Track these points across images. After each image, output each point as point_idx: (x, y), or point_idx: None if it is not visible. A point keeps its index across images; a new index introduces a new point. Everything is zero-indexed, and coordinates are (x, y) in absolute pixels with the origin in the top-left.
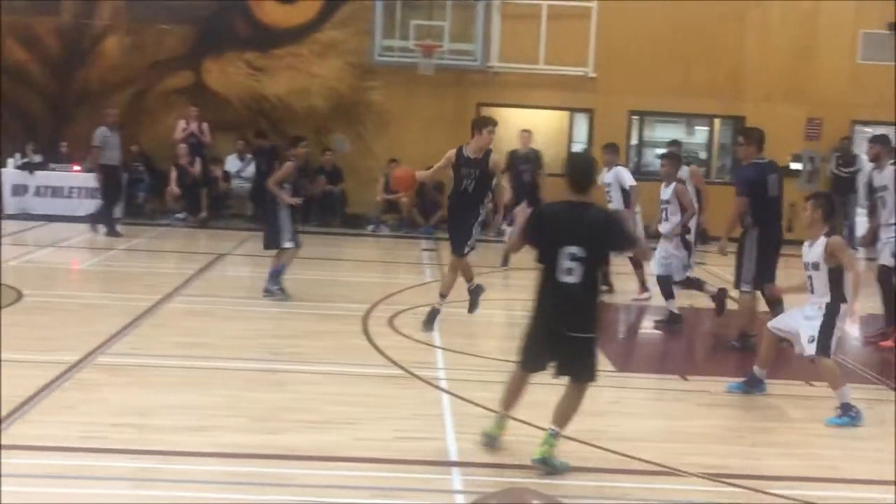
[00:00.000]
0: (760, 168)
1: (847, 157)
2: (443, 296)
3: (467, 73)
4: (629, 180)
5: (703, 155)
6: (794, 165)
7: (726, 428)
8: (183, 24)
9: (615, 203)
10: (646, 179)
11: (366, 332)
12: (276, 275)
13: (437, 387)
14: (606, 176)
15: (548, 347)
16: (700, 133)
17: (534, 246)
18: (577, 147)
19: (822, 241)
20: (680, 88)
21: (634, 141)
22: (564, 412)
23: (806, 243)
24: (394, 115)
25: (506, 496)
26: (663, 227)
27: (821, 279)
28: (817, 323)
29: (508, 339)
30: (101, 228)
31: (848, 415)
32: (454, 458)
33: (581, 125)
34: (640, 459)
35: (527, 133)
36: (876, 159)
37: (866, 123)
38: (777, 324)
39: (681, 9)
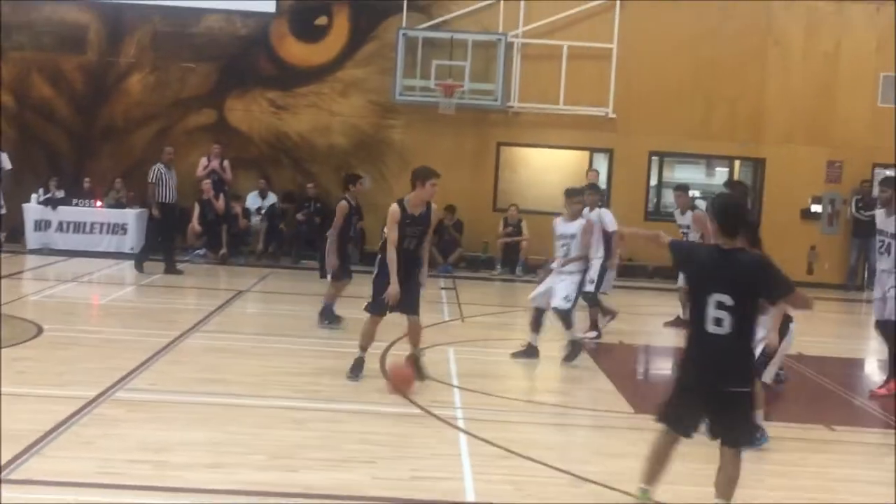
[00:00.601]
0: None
1: (868, 200)
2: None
3: (488, 112)
4: (612, 224)
5: None
6: (815, 208)
7: (746, 472)
8: (206, 62)
9: (595, 245)
10: (665, 220)
11: (383, 371)
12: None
13: (455, 426)
14: (589, 216)
15: (697, 405)
16: (720, 174)
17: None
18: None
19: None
20: (700, 129)
21: (654, 182)
22: (728, 483)
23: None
24: (414, 154)
25: None
26: None
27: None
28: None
29: (526, 380)
30: (145, 267)
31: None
32: (471, 498)
33: (601, 165)
34: (657, 502)
35: (594, 172)
36: (887, 203)
37: (887, 166)
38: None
39: (701, 50)
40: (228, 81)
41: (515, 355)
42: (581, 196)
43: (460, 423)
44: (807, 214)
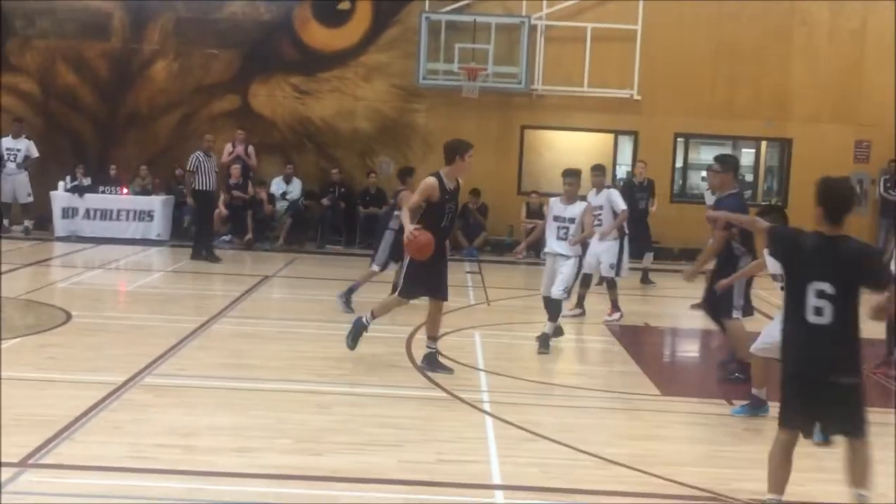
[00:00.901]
0: (742, 197)
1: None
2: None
3: (511, 95)
4: (621, 204)
5: (749, 177)
6: None
7: (737, 452)
8: (230, 48)
9: (605, 227)
10: (691, 202)
11: (409, 355)
12: (354, 289)
13: (481, 409)
14: (596, 198)
15: (811, 400)
16: (746, 155)
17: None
18: (622, 169)
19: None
20: (725, 110)
21: (679, 164)
22: (863, 472)
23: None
24: (438, 138)
25: None
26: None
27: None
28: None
29: (551, 362)
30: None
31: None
32: (497, 481)
33: (626, 147)
34: (683, 484)
35: (642, 163)
36: None
37: None
38: (758, 345)
39: (725, 30)
40: (252, 67)
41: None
42: (574, 178)
43: (486, 407)
44: None
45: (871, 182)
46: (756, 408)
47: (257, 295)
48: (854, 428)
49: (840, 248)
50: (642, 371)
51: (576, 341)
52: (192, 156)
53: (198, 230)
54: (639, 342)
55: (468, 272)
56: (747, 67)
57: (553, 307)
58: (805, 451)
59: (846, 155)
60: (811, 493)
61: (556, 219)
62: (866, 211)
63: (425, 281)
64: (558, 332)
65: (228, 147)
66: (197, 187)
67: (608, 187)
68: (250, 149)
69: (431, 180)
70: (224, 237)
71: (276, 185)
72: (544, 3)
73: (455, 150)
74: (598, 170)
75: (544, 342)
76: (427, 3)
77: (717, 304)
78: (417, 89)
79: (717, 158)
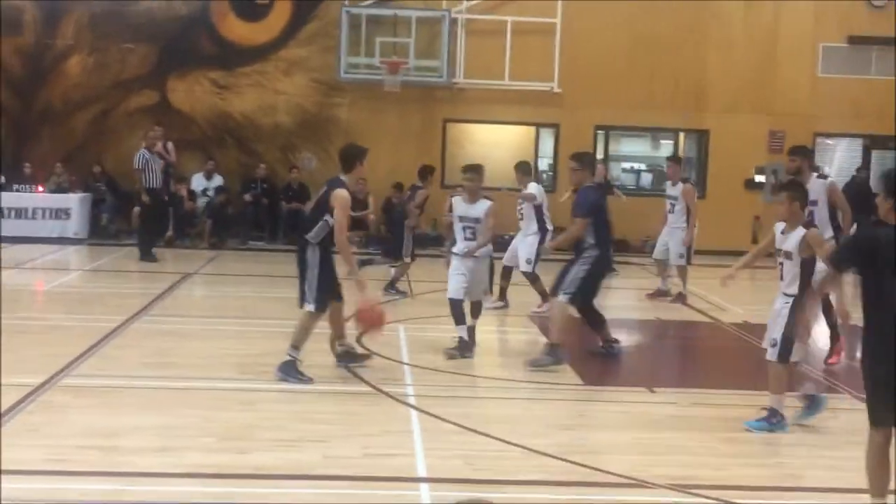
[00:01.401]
0: (600, 190)
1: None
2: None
3: (433, 89)
4: (540, 197)
5: None
6: (758, 178)
7: (694, 439)
8: (147, 42)
9: (527, 220)
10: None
11: (334, 350)
12: (394, 282)
13: (406, 403)
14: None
15: None
16: (665, 147)
17: (859, 274)
18: (543, 162)
19: (799, 231)
20: (644, 102)
21: (600, 155)
22: None
23: (779, 229)
24: (360, 132)
25: None
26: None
27: (791, 269)
28: (782, 323)
29: (476, 355)
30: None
31: (769, 421)
32: (423, 474)
33: (547, 140)
34: (607, 472)
35: (601, 165)
36: (797, 172)
37: (828, 135)
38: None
39: (643, 23)
40: (169, 62)
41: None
42: (475, 174)
43: (411, 400)
44: (750, 184)
45: (785, 172)
46: (774, 424)
47: (179, 293)
48: None
49: None
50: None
51: (500, 334)
52: (138, 153)
53: (150, 228)
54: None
55: (392, 266)
56: (665, 61)
57: (476, 308)
58: (726, 437)
59: (761, 145)
60: (733, 477)
61: (461, 219)
62: (782, 199)
63: (334, 286)
64: (466, 347)
65: None
66: (146, 185)
67: (531, 182)
68: (169, 145)
69: (346, 194)
70: None
71: (197, 182)
72: None
73: (356, 157)
74: (521, 167)
75: (457, 349)
76: None
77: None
78: (339, 83)
79: (573, 157)
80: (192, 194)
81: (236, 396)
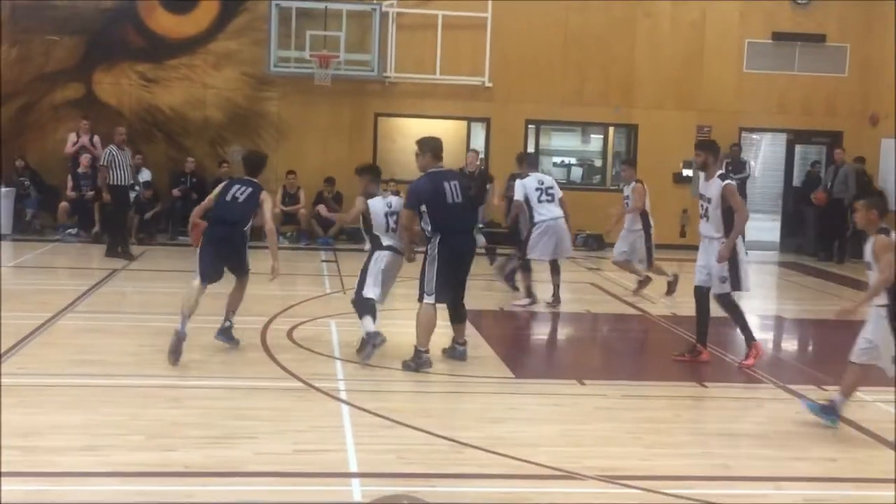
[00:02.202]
0: (435, 177)
1: (736, 164)
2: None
3: (364, 83)
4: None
5: (598, 162)
6: (686, 172)
7: (622, 430)
8: (72, 34)
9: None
10: None
11: (264, 345)
12: None
13: (338, 398)
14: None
15: None
16: (595, 141)
17: None
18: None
19: (871, 238)
20: (575, 97)
21: (531, 149)
22: None
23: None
24: (291, 126)
25: None
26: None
27: (873, 278)
28: (875, 328)
29: (408, 348)
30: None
31: (826, 412)
32: (354, 469)
33: (479, 134)
34: (537, 464)
35: (474, 152)
36: (703, 167)
37: (753, 130)
38: (859, 353)
39: (573, 19)
40: (96, 54)
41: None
42: (369, 175)
43: (343, 395)
44: (679, 178)
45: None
46: (829, 414)
47: (106, 289)
48: None
49: None
50: (496, 355)
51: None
52: (106, 150)
53: (113, 227)
54: (492, 326)
55: (324, 261)
56: (595, 56)
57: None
58: (654, 428)
59: (689, 140)
60: (661, 467)
61: (392, 213)
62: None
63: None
64: (371, 341)
65: (72, 137)
66: (112, 182)
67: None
68: (96, 138)
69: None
70: (70, 230)
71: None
72: None
73: (263, 164)
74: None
75: (362, 347)
76: None
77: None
78: (269, 77)
79: (418, 142)
80: None
81: (164, 393)
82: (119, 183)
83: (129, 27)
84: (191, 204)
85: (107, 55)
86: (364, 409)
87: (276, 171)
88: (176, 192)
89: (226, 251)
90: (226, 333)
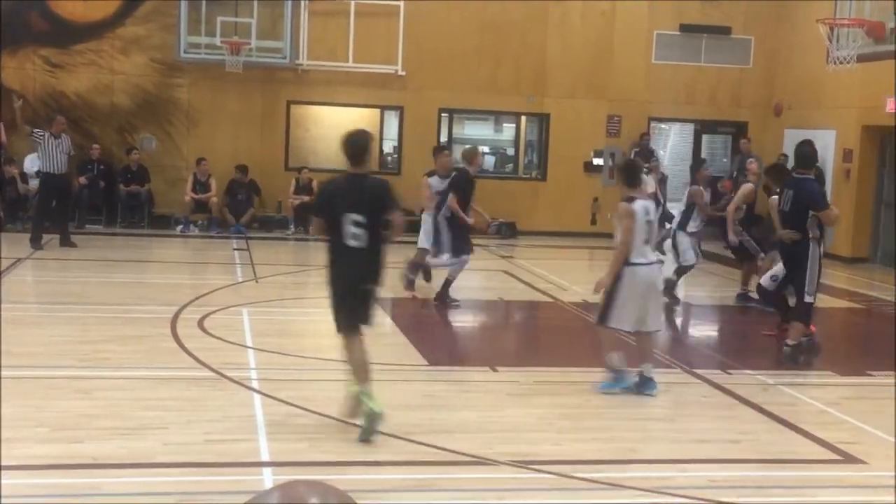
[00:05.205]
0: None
1: (646, 153)
2: None
3: (276, 70)
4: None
5: (510, 151)
6: (597, 161)
7: (535, 416)
8: None
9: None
10: None
11: (175, 335)
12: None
13: (248, 387)
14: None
15: None
16: (508, 130)
17: None
18: (388, 144)
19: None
20: (488, 86)
21: (444, 138)
22: None
23: None
24: (202, 113)
25: (279, 493)
26: None
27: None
28: None
29: (322, 338)
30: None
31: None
32: (266, 458)
33: (392, 123)
34: (453, 451)
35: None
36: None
37: (661, 120)
38: None
39: (487, 7)
40: None
41: None
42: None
43: (255, 384)
44: (589, 167)
45: (622, 155)
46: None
47: (10, 278)
48: None
49: None
50: (410, 342)
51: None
52: (40, 134)
53: (43, 214)
54: (407, 314)
55: (235, 249)
56: (509, 45)
57: None
58: (565, 413)
59: (599, 129)
60: (572, 452)
61: None
62: (617, 183)
63: None
64: None
65: None
66: (43, 169)
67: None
68: None
69: None
70: None
71: (30, 163)
72: None
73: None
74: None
75: None
76: None
77: None
78: (178, 63)
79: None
80: (23, 176)
81: (72, 384)
82: (50, 171)
83: (34, 11)
84: (98, 192)
85: (10, 39)
86: (276, 398)
87: (186, 159)
88: (82, 179)
89: None
90: None
